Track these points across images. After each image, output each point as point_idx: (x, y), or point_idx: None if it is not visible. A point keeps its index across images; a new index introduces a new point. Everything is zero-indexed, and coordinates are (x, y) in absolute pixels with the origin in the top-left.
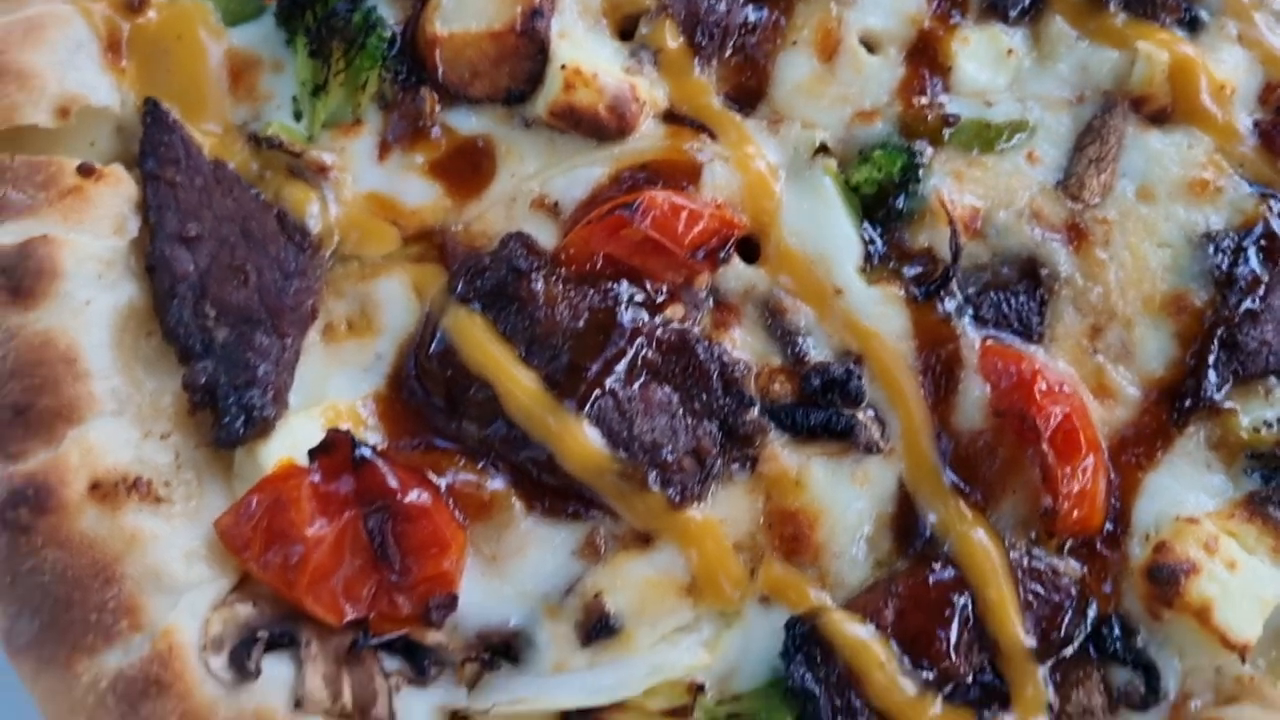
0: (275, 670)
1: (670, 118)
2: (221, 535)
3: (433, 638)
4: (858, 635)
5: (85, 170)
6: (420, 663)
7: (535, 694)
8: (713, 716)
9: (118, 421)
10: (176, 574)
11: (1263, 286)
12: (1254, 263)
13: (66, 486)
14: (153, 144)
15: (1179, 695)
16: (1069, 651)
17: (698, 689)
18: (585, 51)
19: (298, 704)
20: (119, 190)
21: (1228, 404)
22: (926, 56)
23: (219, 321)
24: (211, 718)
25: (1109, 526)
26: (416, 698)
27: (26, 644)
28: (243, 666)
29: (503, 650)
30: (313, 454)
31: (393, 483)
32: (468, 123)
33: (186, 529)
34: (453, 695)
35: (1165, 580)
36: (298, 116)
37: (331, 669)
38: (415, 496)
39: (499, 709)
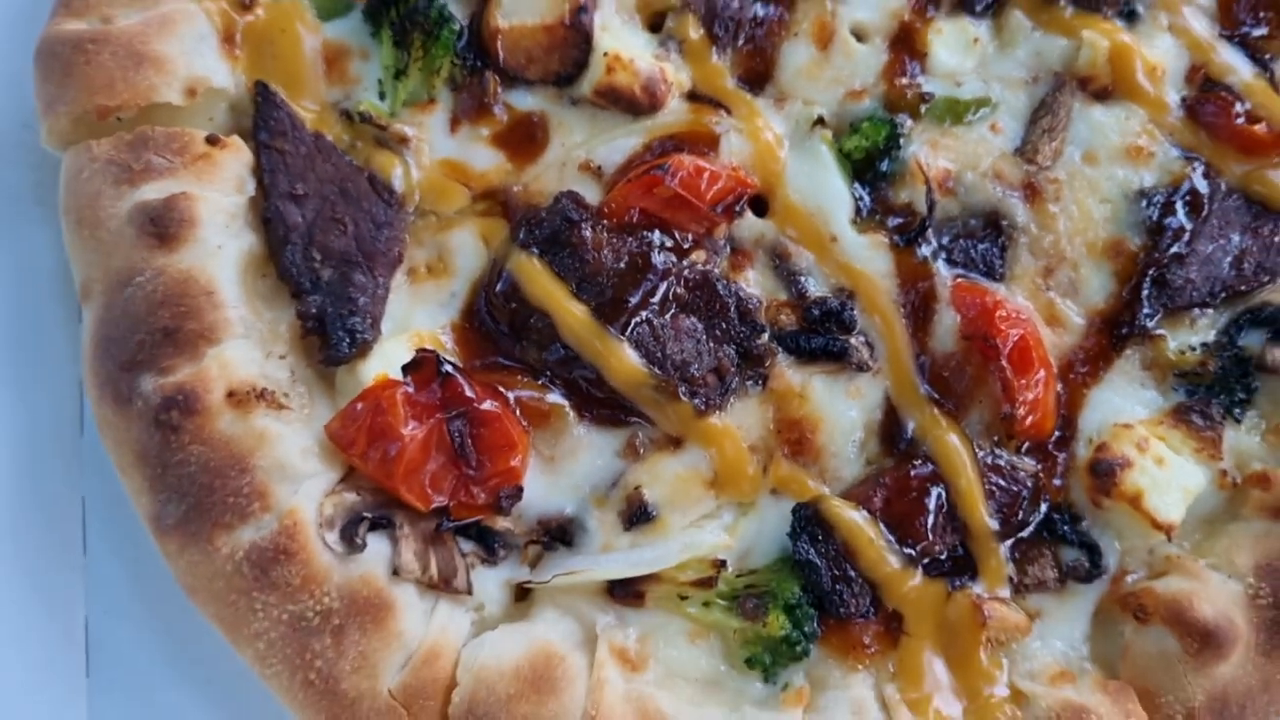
0: (376, 546)
1: (693, 97)
2: (331, 436)
3: (501, 524)
4: (852, 518)
5: (212, 140)
6: (491, 546)
7: (587, 567)
8: (732, 586)
9: (246, 343)
10: (296, 466)
11: (1188, 234)
12: (1181, 215)
13: (209, 394)
14: (264, 119)
15: (1117, 570)
16: (1025, 534)
17: (720, 564)
18: (622, 41)
19: (395, 572)
20: (239, 156)
21: (1158, 331)
22: (906, 44)
23: (324, 264)
24: (327, 580)
25: (1059, 432)
26: (488, 575)
27: (174, 524)
28: (352, 541)
29: (559, 535)
30: (405, 369)
31: (470, 393)
32: (525, 101)
33: (303, 431)
34: (518, 572)
35: (1104, 473)
36: (382, 96)
37: (420, 547)
38: (488, 405)
39: (557, 580)
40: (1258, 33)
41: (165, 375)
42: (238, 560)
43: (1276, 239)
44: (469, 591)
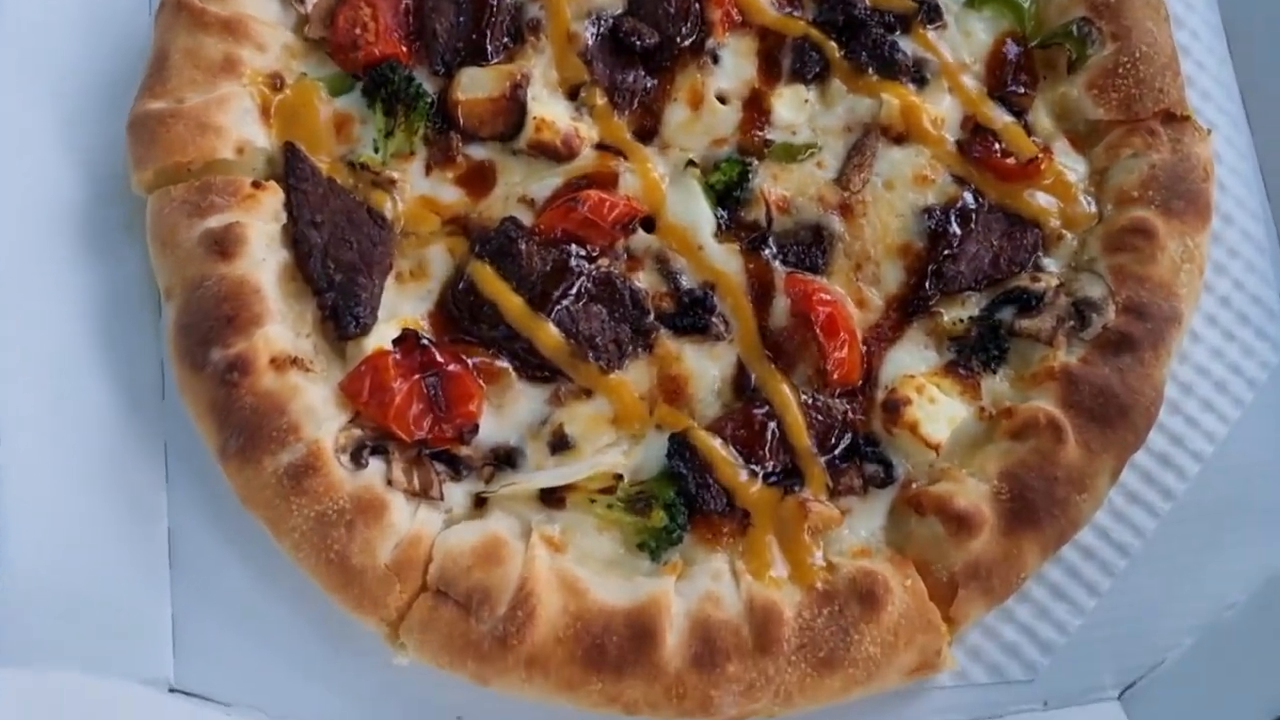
0: (375, 465)
1: (600, 147)
2: (343, 390)
3: (464, 452)
4: (711, 442)
5: (256, 184)
6: (457, 467)
7: (524, 479)
8: (627, 493)
9: (283, 326)
10: (318, 410)
11: (958, 239)
12: (954, 225)
13: (257, 359)
14: (292, 169)
15: (905, 479)
16: (838, 453)
17: (619, 477)
18: (547, 108)
19: (389, 483)
20: (275, 196)
21: (937, 309)
22: (756, 105)
23: (336, 271)
24: (341, 488)
25: (863, 382)
26: (455, 488)
27: (234, 451)
28: (358, 460)
29: (505, 459)
30: (394, 343)
31: (440, 359)
32: (478, 152)
33: (323, 387)
34: (476, 486)
35: (892, 409)
36: (376, 150)
37: (406, 466)
38: (453, 367)
39: (504, 489)
40: (1018, 91)
41: (227, 348)
42: (280, 474)
43: (1024, 241)
44: (441, 498)
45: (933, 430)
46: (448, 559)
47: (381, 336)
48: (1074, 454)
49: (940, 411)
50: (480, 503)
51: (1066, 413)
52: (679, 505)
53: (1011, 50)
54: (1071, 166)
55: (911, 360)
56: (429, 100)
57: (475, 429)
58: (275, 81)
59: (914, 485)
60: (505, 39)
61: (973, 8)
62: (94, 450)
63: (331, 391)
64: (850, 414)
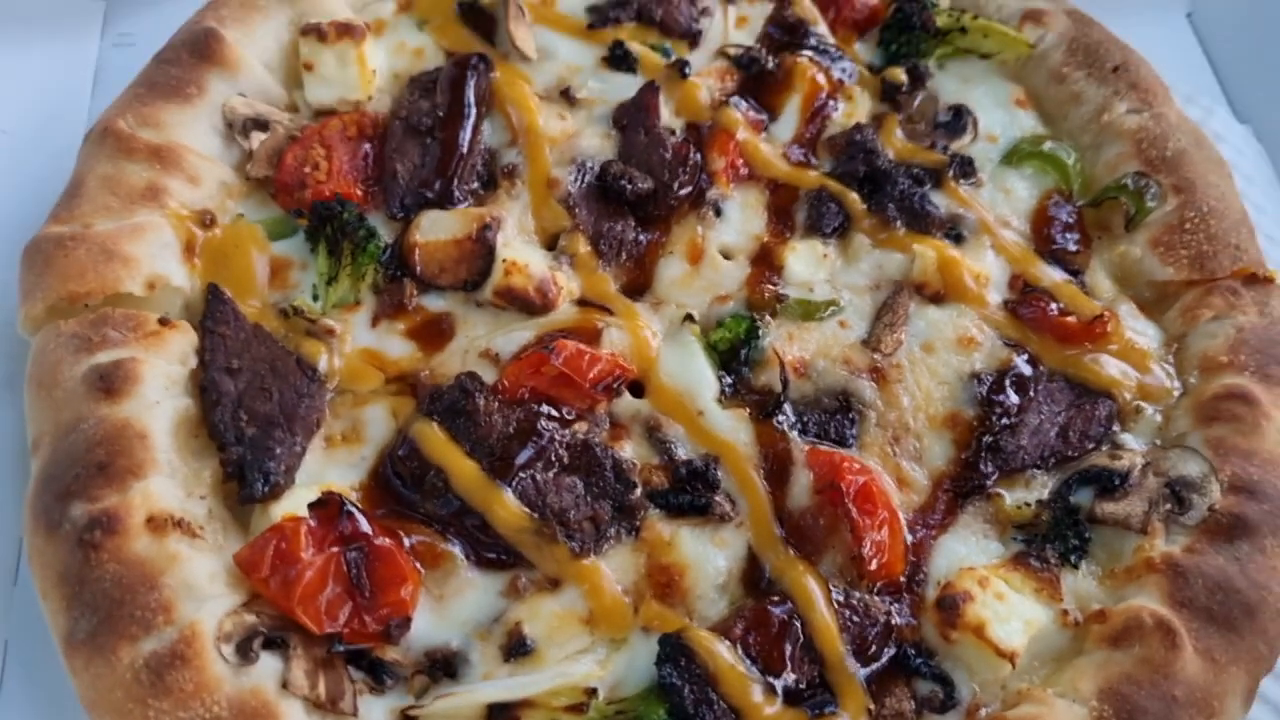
0: (269, 662)
1: (582, 303)
2: (238, 562)
3: (390, 654)
4: (715, 646)
5: (164, 321)
6: (379, 676)
7: (463, 690)
8: (603, 713)
9: (170, 482)
10: (202, 586)
11: (1016, 408)
12: (1010, 392)
13: (130, 517)
14: (211, 310)
15: (971, 703)
16: (880, 665)
17: (592, 692)
18: (521, 254)
19: (284, 685)
20: (185, 337)
21: (996, 490)
22: (766, 260)
23: (249, 423)
24: (219, 688)
25: (909, 577)
26: (375, 703)
27: (83, 639)
28: (246, 653)
29: (444, 666)
30: (311, 507)
31: (368, 530)
32: (437, 303)
33: (213, 558)
34: (403, 699)
35: (949, 607)
36: (315, 299)
37: (311, 667)
38: (383, 542)
39: (439, 703)
40: (1070, 250)
41: (94, 502)
42: (137, 668)
43: (1096, 413)
44: (354, 713)
45: (1003, 633)
46: None
47: (296, 504)
48: (1193, 665)
49: (1010, 610)
50: None
51: (1177, 613)
52: None
53: (1059, 208)
54: (1142, 331)
55: (968, 551)
56: (381, 243)
57: (406, 623)
58: (205, 219)
59: (984, 711)
60: (475, 184)
61: (1011, 165)
62: None
63: (223, 566)
64: (894, 616)
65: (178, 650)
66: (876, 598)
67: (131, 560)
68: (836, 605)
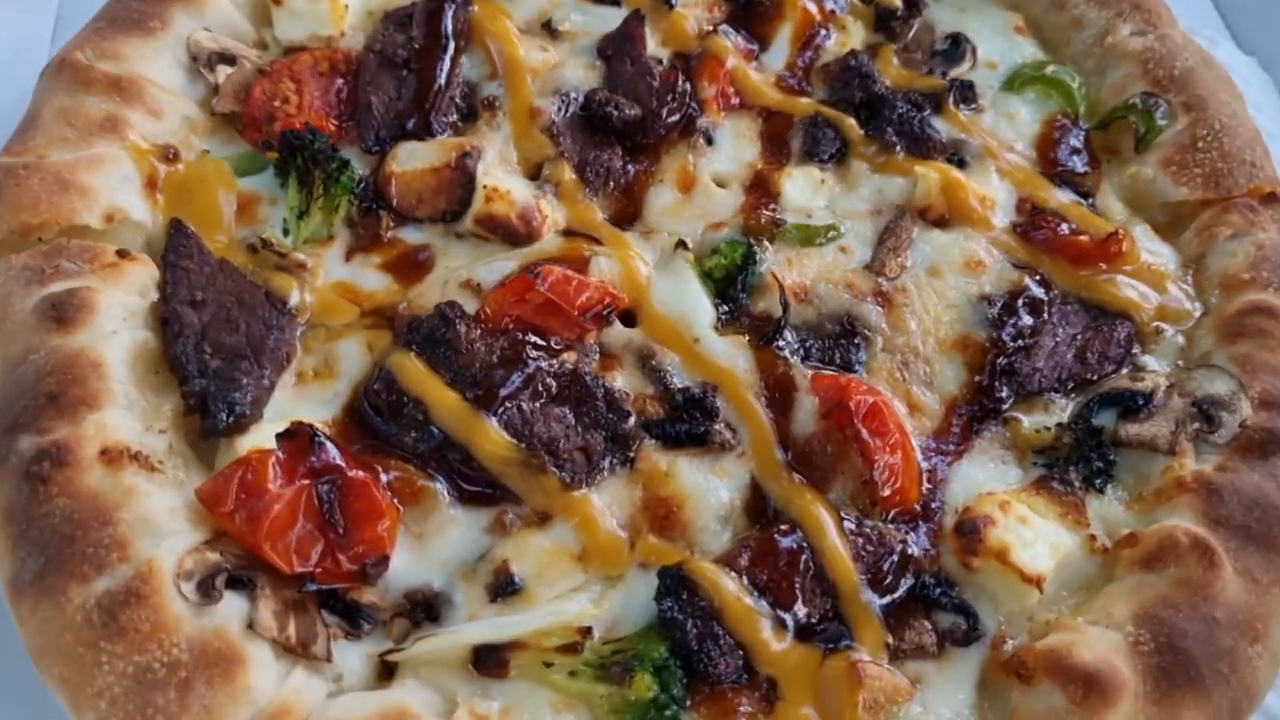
0: (234, 602)
1: (567, 233)
2: (200, 497)
3: (367, 597)
4: (720, 578)
5: (122, 253)
6: (355, 619)
7: (450, 634)
8: (599, 654)
9: (127, 414)
10: (161, 522)
11: (1029, 330)
12: (1023, 314)
13: (81, 448)
14: (173, 244)
15: (997, 635)
16: (897, 597)
17: (586, 631)
18: (502, 181)
19: (250, 626)
20: (146, 269)
21: (1013, 414)
22: (761, 187)
23: (213, 356)
24: (178, 628)
25: (925, 504)
26: (351, 648)
27: (30, 580)
28: (208, 591)
29: (425, 608)
30: (279, 437)
31: (341, 461)
32: (415, 236)
33: (173, 493)
34: (381, 644)
35: (969, 531)
36: (285, 234)
37: (280, 608)
38: (358, 474)
39: (420, 646)
40: (1079, 170)
41: (43, 434)
42: (89, 609)
43: (1115, 335)
44: (328, 658)
45: (1028, 557)
46: None
47: (264, 438)
48: (1234, 586)
49: (1035, 533)
50: (387, 669)
51: (1213, 531)
52: (673, 669)
53: (1066, 132)
54: (1157, 253)
55: (986, 476)
56: (355, 174)
57: (384, 561)
58: (168, 153)
59: (1009, 642)
60: (454, 117)
61: (1013, 90)
62: None
63: (184, 502)
64: (911, 545)
65: (133, 588)
66: (891, 525)
67: (83, 494)
68: (848, 534)
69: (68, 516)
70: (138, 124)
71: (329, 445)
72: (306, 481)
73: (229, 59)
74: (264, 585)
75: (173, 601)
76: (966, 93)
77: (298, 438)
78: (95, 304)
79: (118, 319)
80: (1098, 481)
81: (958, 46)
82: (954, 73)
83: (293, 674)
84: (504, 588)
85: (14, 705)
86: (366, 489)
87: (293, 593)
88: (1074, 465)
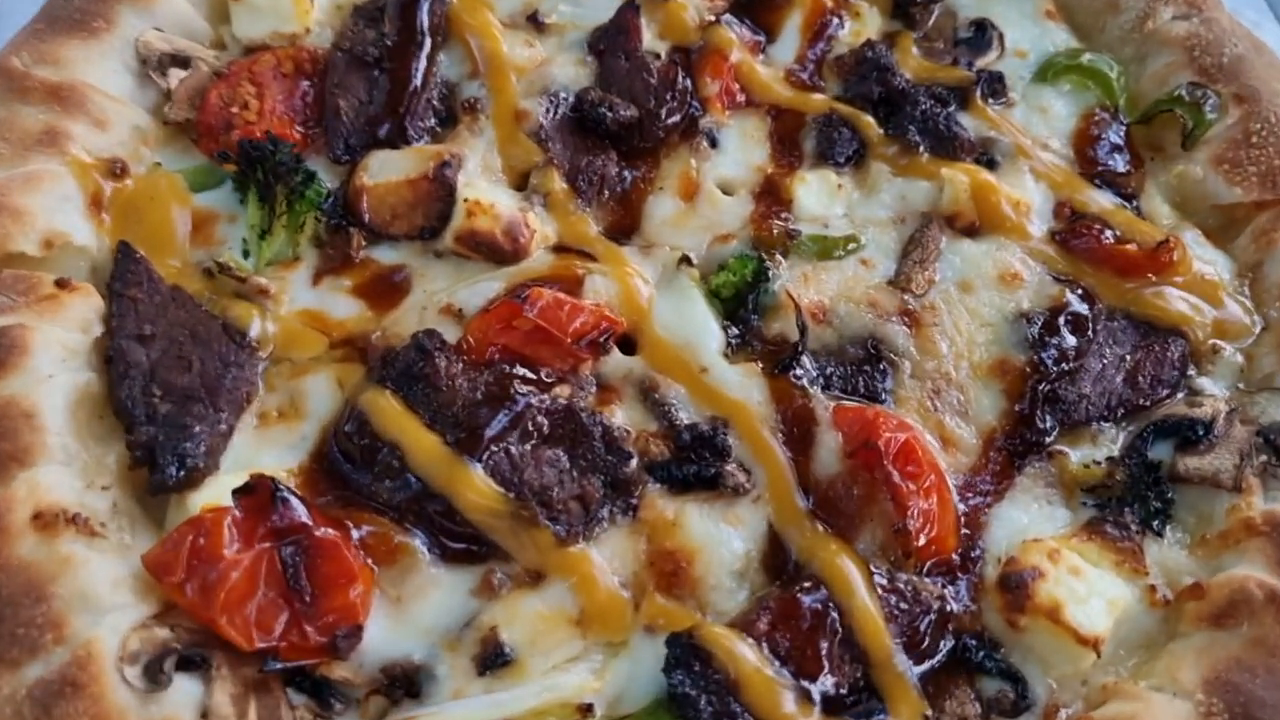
0: (186, 686)
1: (558, 249)
2: (148, 565)
3: (338, 672)
4: (736, 646)
5: (61, 283)
6: (326, 700)
7: (429, 712)
8: None
9: (66, 470)
10: (103, 596)
11: (1073, 352)
12: (1066, 334)
13: (11, 514)
14: (120, 271)
15: (1049, 704)
16: (936, 662)
17: (587, 709)
18: (485, 193)
19: (204, 716)
20: (88, 301)
21: (1058, 447)
22: (772, 194)
23: (163, 399)
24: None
25: (963, 554)
26: None
27: None
28: (155, 677)
29: (404, 684)
30: (236, 494)
31: (307, 519)
32: (389, 255)
33: (116, 561)
34: None
35: (1015, 586)
36: (245, 255)
37: (239, 691)
38: (326, 533)
39: None
40: (1120, 170)
41: None
42: (18, 700)
43: (1168, 354)
44: None
45: (1083, 615)
46: None
47: (220, 493)
48: None
49: (1089, 587)
50: None
51: None
52: None
53: (1105, 127)
54: (1210, 261)
55: (1031, 520)
56: (323, 188)
57: (357, 632)
58: (115, 168)
59: (1064, 713)
60: (431, 121)
61: (1046, 81)
62: None
63: (129, 571)
64: (949, 601)
65: (69, 676)
66: (927, 579)
67: (13, 566)
68: (879, 590)
69: None
70: (80, 136)
71: (293, 501)
72: (268, 544)
73: (182, 61)
74: (220, 665)
75: (115, 690)
76: (995, 85)
77: (257, 493)
78: (28, 344)
79: (55, 360)
80: (1155, 523)
81: (983, 34)
82: (980, 63)
83: None
84: (493, 659)
85: None
86: (336, 550)
87: (253, 671)
88: (1129, 505)
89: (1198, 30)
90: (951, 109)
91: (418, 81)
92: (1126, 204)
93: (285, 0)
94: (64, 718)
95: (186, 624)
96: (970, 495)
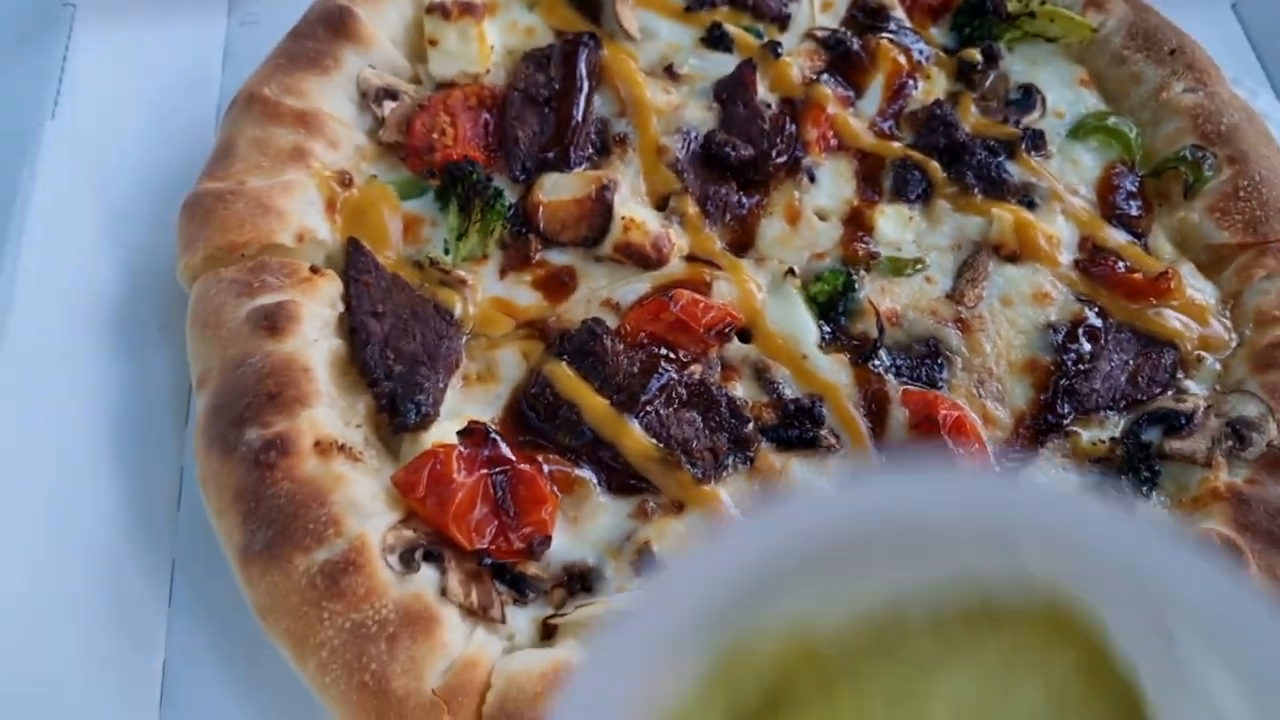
0: (428, 572)
1: (690, 259)
2: (396, 484)
3: (532, 570)
4: None
5: (314, 269)
6: (522, 589)
7: (599, 601)
8: None
9: (331, 411)
10: (365, 504)
11: (1088, 356)
12: (1083, 342)
13: (301, 440)
14: (354, 262)
15: None
16: None
17: None
18: (636, 212)
19: (442, 593)
20: (333, 284)
21: (1072, 428)
22: (857, 221)
23: (396, 361)
24: (385, 594)
25: None
26: (519, 613)
27: (259, 549)
28: (409, 563)
29: (581, 581)
30: (460, 434)
31: (511, 455)
32: (559, 258)
33: (372, 480)
34: (544, 610)
35: None
36: (446, 252)
37: (464, 578)
38: (525, 467)
39: (579, 611)
40: (1133, 213)
41: (267, 427)
42: (312, 574)
43: (1162, 361)
44: (503, 620)
45: None
46: (511, 684)
47: (442, 434)
48: (1257, 581)
49: None
50: (549, 631)
51: (1241, 535)
52: None
53: (1123, 178)
54: (1200, 289)
55: (1049, 483)
56: (507, 202)
57: (548, 540)
58: (344, 178)
59: None
60: (590, 150)
61: (1077, 138)
62: (92, 563)
63: (381, 487)
64: None
65: (349, 558)
66: None
67: (303, 479)
68: None
69: (291, 498)
70: (319, 153)
71: (501, 441)
72: (484, 472)
73: (392, 94)
74: (450, 559)
75: (381, 570)
76: (1037, 140)
77: (475, 435)
78: (299, 314)
79: (316, 328)
80: (1145, 489)
81: (1029, 97)
82: (1026, 121)
83: (475, 633)
84: (647, 564)
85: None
86: (533, 479)
87: (472, 566)
88: (1125, 474)
89: (1202, 102)
90: (1001, 159)
91: (579, 117)
92: (1137, 241)
93: (473, 47)
94: (347, 587)
95: (424, 529)
96: (1004, 461)
